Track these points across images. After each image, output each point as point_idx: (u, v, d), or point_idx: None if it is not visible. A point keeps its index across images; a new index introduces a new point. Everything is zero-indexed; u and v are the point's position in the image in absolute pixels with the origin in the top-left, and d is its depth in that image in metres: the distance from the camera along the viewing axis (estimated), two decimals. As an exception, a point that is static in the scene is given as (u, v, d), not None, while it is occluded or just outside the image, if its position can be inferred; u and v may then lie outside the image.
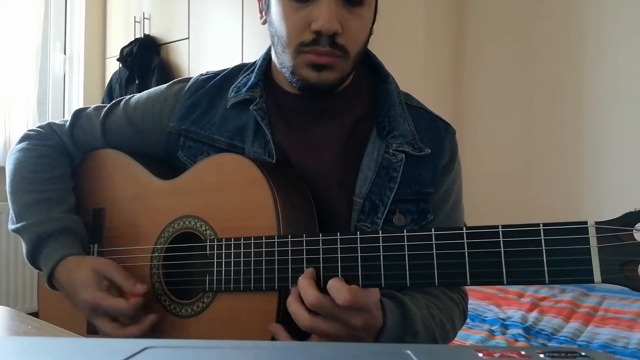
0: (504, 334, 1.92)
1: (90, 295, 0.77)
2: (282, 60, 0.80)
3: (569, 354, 0.38)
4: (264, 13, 0.84)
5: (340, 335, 0.63)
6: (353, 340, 0.64)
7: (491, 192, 2.83)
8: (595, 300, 2.13)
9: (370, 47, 0.89)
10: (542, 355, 0.38)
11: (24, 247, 0.86)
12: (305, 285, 0.64)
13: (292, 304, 0.65)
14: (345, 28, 0.74)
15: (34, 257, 0.85)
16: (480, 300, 2.22)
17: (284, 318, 0.69)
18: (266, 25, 0.85)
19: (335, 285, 0.62)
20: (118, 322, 0.78)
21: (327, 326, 0.63)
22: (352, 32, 0.76)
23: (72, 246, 0.84)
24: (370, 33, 0.84)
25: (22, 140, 0.96)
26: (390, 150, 0.81)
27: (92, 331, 0.87)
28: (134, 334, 0.76)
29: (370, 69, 0.90)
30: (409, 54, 2.73)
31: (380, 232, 0.64)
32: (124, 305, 0.76)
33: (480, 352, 0.39)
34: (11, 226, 0.88)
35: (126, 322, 0.78)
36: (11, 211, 0.89)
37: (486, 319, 2.06)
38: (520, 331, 1.91)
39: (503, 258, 0.58)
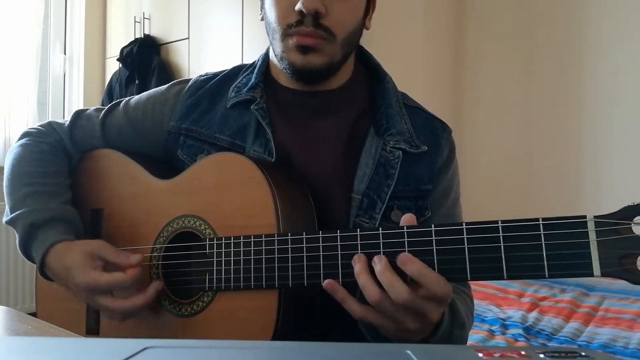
0: (504, 334, 1.92)
1: (85, 276, 0.76)
2: (274, 49, 0.82)
3: (569, 354, 0.38)
4: (261, 10, 0.86)
5: (394, 331, 0.63)
6: (402, 335, 0.64)
7: (491, 191, 2.83)
8: (595, 300, 2.13)
9: (370, 47, 0.89)
10: (542, 355, 0.38)
11: (17, 237, 0.84)
12: (366, 281, 0.61)
13: (362, 276, 0.62)
14: (330, 10, 0.76)
15: (26, 245, 0.84)
16: (480, 300, 2.22)
17: (285, 316, 0.69)
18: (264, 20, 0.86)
19: (391, 282, 0.60)
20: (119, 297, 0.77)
21: (380, 320, 0.62)
22: (337, 14, 0.77)
23: (66, 233, 0.83)
24: (366, 27, 0.85)
25: (22, 137, 0.96)
26: (388, 148, 0.82)
27: (92, 331, 0.87)
28: (138, 303, 0.76)
29: (367, 69, 0.91)
30: (409, 54, 2.73)
31: (380, 228, 0.64)
32: (123, 278, 0.76)
33: (480, 352, 0.39)
34: (5, 218, 0.86)
35: (128, 295, 0.77)
36: (6, 205, 0.88)
37: (486, 319, 2.06)
38: (520, 331, 1.91)
39: (503, 253, 0.58)
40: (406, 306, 0.60)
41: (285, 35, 0.78)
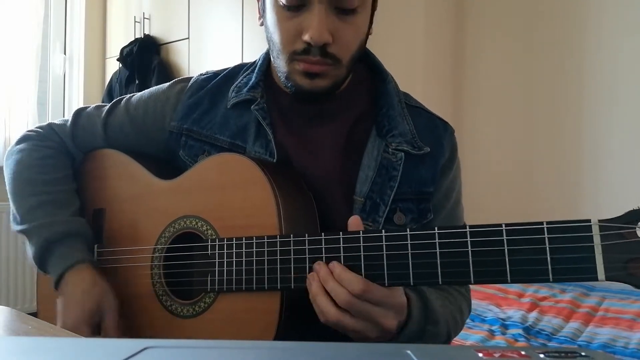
0: (504, 334, 1.92)
1: (74, 322, 0.78)
2: (277, 65, 0.81)
3: (569, 354, 0.38)
4: (260, 14, 0.84)
5: (366, 330, 0.64)
6: (376, 333, 0.65)
7: (491, 191, 2.83)
8: (595, 300, 2.13)
9: (370, 46, 0.89)
10: (542, 355, 0.38)
11: (30, 250, 0.85)
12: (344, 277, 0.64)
13: (319, 297, 0.64)
14: (336, 37, 0.74)
15: (42, 260, 0.84)
16: (480, 300, 2.22)
17: (287, 318, 0.69)
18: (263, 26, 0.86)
19: (347, 277, 0.63)
20: None
21: (354, 323, 0.64)
22: (343, 40, 0.76)
23: (82, 251, 0.84)
24: (369, 33, 0.84)
25: (21, 140, 0.95)
26: (390, 150, 0.81)
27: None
28: None
29: (369, 69, 0.90)
30: (409, 54, 2.73)
31: (383, 230, 0.64)
32: None
33: (480, 352, 0.39)
34: (17, 227, 0.87)
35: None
36: (15, 213, 0.88)
37: (486, 319, 2.06)
38: (520, 331, 1.91)
39: (507, 256, 0.58)
40: (351, 307, 0.63)
41: (292, 59, 0.77)
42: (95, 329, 0.79)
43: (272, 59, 0.83)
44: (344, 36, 0.75)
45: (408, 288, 0.71)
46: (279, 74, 0.81)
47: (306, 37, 0.73)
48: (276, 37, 0.77)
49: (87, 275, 0.82)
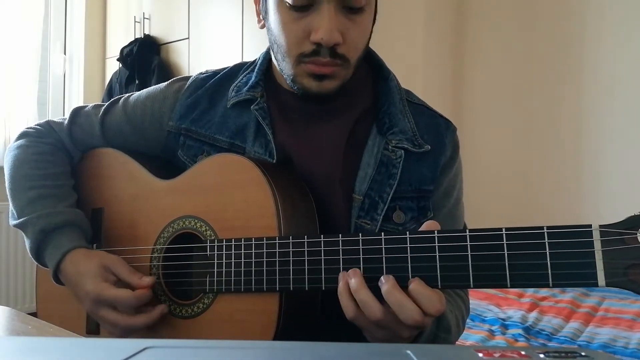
0: (504, 334, 1.92)
1: (94, 285, 0.77)
2: (282, 68, 0.80)
3: (569, 354, 0.38)
4: (261, 17, 0.83)
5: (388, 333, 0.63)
6: (393, 337, 0.64)
7: (491, 192, 2.83)
8: (595, 300, 2.13)
9: (370, 45, 0.88)
10: (542, 355, 0.38)
11: (27, 242, 0.85)
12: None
13: (362, 291, 0.62)
14: (345, 37, 0.73)
15: (38, 251, 0.84)
16: (480, 300, 2.22)
17: (286, 319, 0.69)
18: (264, 28, 0.85)
19: (365, 301, 0.61)
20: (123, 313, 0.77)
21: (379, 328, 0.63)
22: (352, 40, 0.75)
23: (79, 239, 0.84)
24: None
25: (20, 137, 0.95)
26: (390, 147, 0.81)
27: (91, 331, 0.87)
28: (141, 323, 0.76)
29: (371, 67, 0.90)
30: (409, 54, 2.73)
31: (382, 233, 0.64)
32: (128, 295, 0.76)
33: (480, 352, 0.39)
34: (13, 221, 0.87)
35: (131, 313, 0.77)
36: (12, 207, 0.88)
37: (486, 319, 2.06)
38: (520, 331, 1.91)
39: (507, 261, 0.57)
40: (379, 325, 0.62)
41: (299, 62, 0.75)
42: (116, 284, 0.79)
43: (276, 61, 0.82)
44: (353, 36, 0.75)
45: None
46: (285, 77, 0.80)
47: (316, 38, 0.72)
48: (282, 40, 0.76)
49: (80, 253, 0.82)
